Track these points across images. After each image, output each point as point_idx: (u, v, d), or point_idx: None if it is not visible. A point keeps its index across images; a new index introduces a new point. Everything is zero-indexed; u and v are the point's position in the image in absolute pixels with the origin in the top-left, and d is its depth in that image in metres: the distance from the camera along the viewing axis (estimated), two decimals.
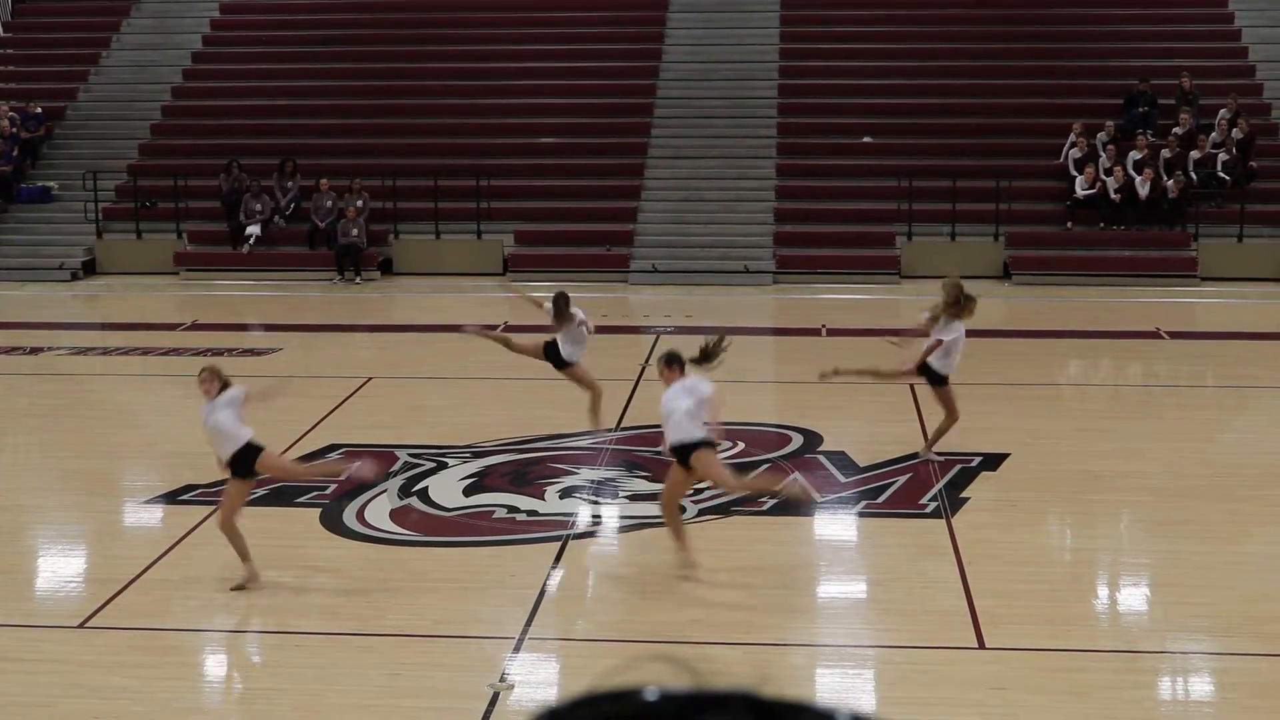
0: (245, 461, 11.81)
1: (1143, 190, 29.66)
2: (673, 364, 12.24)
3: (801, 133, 32.82)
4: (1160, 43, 34.48)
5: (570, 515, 14.01)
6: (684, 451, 11.99)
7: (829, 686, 10.14)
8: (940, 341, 15.44)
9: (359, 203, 30.06)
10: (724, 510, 14.15)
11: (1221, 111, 31.25)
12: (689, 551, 12.25)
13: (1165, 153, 30.49)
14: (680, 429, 11.96)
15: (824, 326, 24.60)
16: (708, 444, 12.01)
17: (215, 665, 11.10)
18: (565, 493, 14.78)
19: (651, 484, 15.04)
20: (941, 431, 15.78)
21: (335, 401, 18.64)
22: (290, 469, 13.15)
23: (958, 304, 15.50)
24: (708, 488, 14.64)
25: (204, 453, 16.45)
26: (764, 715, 1.24)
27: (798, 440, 16.61)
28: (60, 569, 13.03)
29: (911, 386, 17.97)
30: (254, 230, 30.47)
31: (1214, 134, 30.87)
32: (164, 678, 10.64)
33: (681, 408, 11.93)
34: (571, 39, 35.80)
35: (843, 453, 16.02)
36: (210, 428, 11.86)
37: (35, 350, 22.69)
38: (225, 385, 11.92)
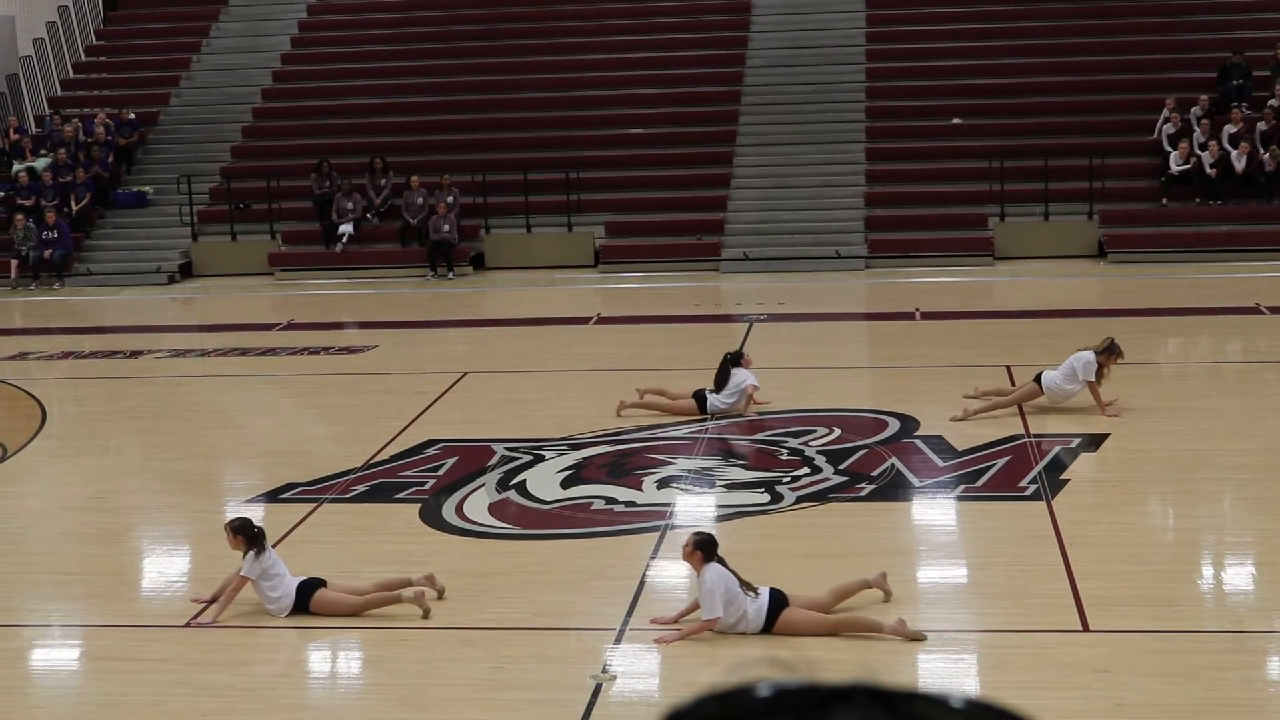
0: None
1: (1239, 164, 29.28)
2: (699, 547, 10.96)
3: (890, 115, 32.65)
4: (1253, 14, 34.03)
5: (668, 505, 14.00)
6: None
7: (931, 672, 10.08)
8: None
9: (449, 199, 30.20)
10: (822, 497, 14.12)
11: None
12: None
13: (1261, 125, 30.08)
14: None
15: (918, 310, 24.46)
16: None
17: (319, 661, 11.19)
18: (663, 483, 14.78)
19: (748, 472, 15.04)
20: (991, 407, 16.81)
21: (431, 397, 18.74)
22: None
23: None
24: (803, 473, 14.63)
25: (303, 450, 16.71)
26: (890, 706, 1.23)
27: (894, 425, 16.52)
28: (165, 569, 13.19)
29: (1009, 369, 17.84)
30: (346, 229, 30.68)
31: None
32: (269, 674, 10.75)
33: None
34: (657, 29, 35.82)
35: (940, 437, 15.91)
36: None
37: (135, 354, 22.97)
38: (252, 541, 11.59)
